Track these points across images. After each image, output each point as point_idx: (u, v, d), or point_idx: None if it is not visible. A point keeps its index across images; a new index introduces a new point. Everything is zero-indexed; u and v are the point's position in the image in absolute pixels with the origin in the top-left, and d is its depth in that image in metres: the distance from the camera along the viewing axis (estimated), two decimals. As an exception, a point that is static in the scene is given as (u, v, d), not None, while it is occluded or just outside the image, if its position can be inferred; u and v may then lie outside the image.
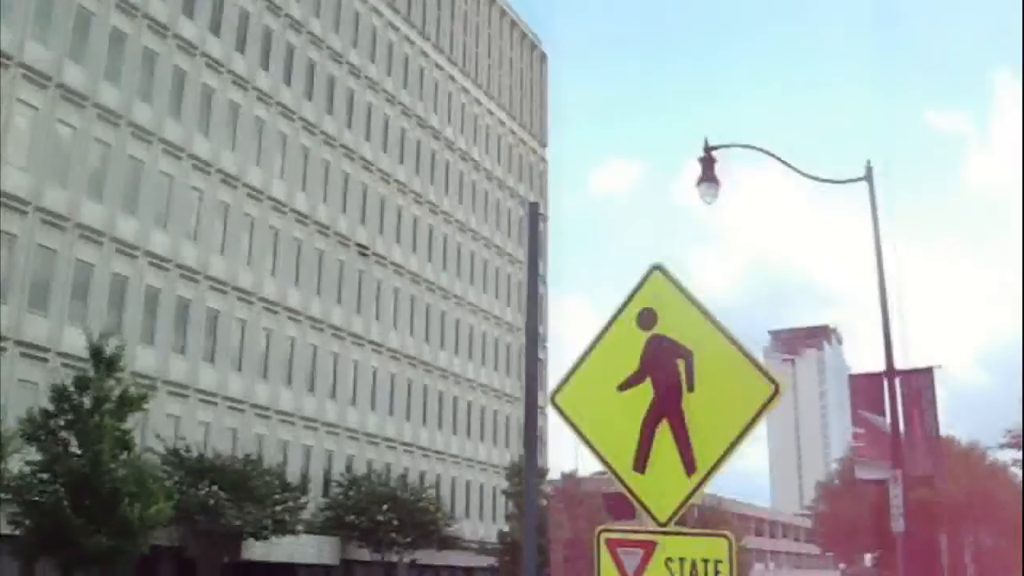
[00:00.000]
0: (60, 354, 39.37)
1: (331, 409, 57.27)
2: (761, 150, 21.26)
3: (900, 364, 18.70)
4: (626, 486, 5.54)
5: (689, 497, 5.38)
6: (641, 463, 5.51)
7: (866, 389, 18.03)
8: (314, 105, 58.71)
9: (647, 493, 5.47)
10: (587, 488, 63.28)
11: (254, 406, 51.80)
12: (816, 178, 21.38)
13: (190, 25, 50.01)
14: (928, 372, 17.75)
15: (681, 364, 5.50)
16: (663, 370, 5.54)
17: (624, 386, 5.63)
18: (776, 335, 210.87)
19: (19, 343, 39.19)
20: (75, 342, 36.49)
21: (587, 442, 5.74)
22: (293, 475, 50.88)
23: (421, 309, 66.39)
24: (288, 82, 57.03)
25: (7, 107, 39.80)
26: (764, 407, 5.27)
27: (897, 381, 17.53)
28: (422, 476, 62.74)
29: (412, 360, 64.76)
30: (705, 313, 5.54)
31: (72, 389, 33.19)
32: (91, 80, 43.86)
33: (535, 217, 5.29)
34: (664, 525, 5.37)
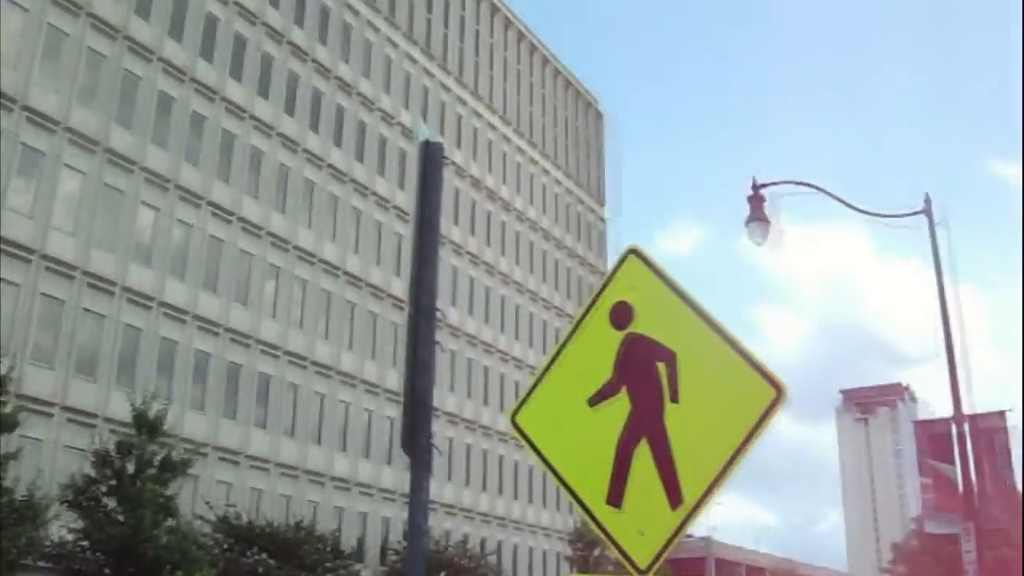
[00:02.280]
0: (107, 420, 38.79)
1: (388, 475, 56.16)
2: (812, 186, 20.07)
3: (970, 410, 17.27)
4: (598, 524, 4.42)
5: (675, 537, 4.23)
6: (616, 495, 4.39)
7: (932, 436, 16.59)
8: (365, 167, 58.38)
9: (623, 533, 4.34)
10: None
11: (307, 472, 50.91)
12: (874, 213, 20.13)
13: (238, 88, 49.96)
14: (999, 416, 16.29)
15: (662, 369, 4.38)
16: (641, 378, 4.43)
17: (596, 399, 4.52)
18: (848, 394, 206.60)
19: (65, 408, 38.71)
20: (123, 408, 35.90)
21: (552, 470, 4.63)
22: (348, 543, 49.77)
23: (479, 372, 65.38)
24: (339, 143, 56.78)
25: (54, 170, 39.74)
26: (765, 417, 4.13)
27: (965, 426, 16.06)
28: (482, 543, 61.28)
29: (471, 425, 63.63)
30: (690, 304, 4.42)
31: (114, 454, 32.59)
32: (139, 144, 43.76)
33: (434, 158, 4.23)
34: (644, 574, 4.23)
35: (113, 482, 32.32)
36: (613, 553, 4.38)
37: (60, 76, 40.96)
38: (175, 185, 45.27)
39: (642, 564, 4.23)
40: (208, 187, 47.16)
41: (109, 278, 41.56)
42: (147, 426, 33.40)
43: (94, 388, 40.20)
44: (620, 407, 4.43)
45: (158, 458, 33.05)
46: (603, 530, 4.38)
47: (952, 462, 16.55)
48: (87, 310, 40.63)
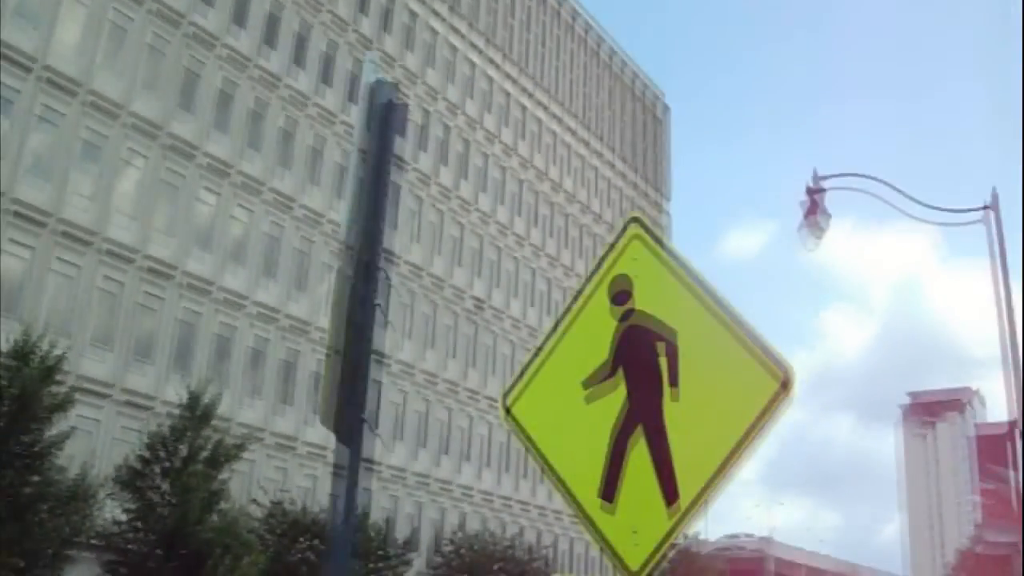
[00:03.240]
0: (164, 404, 38.90)
1: (444, 466, 56.03)
2: (873, 178, 19.38)
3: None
4: (590, 522, 4.02)
5: (669, 538, 3.81)
6: (610, 491, 3.98)
7: (991, 441, 15.88)
8: (428, 156, 58.26)
9: (615, 531, 3.94)
10: (711, 555, 60.59)
11: (363, 462, 50.73)
12: (939, 208, 19.36)
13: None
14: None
15: (662, 350, 3.95)
16: (638, 360, 4.02)
17: (590, 381, 4.10)
18: (914, 398, 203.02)
19: (123, 391, 38.93)
20: (178, 394, 35.94)
21: (544, 462, 4.22)
22: (402, 533, 49.64)
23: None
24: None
25: (115, 156, 40.00)
26: (769, 408, 3.68)
27: (1017, 432, 15.31)
28: (539, 536, 60.91)
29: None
30: (693, 278, 3.99)
31: (168, 439, 32.63)
32: (199, 131, 43.94)
33: (388, 105, 3.81)
34: (636, 576, 3.82)
35: (166, 464, 32.35)
36: (604, 553, 3.97)
37: (123, 64, 41.14)
38: (237, 171, 45.35)
39: (633, 566, 3.83)
40: (269, 176, 47.19)
41: (168, 263, 41.71)
42: (200, 412, 33.39)
43: (151, 372, 40.39)
44: (616, 394, 4.03)
45: (210, 444, 33.01)
46: (594, 528, 3.99)
47: (1016, 469, 15.84)
48: (146, 295, 40.80)
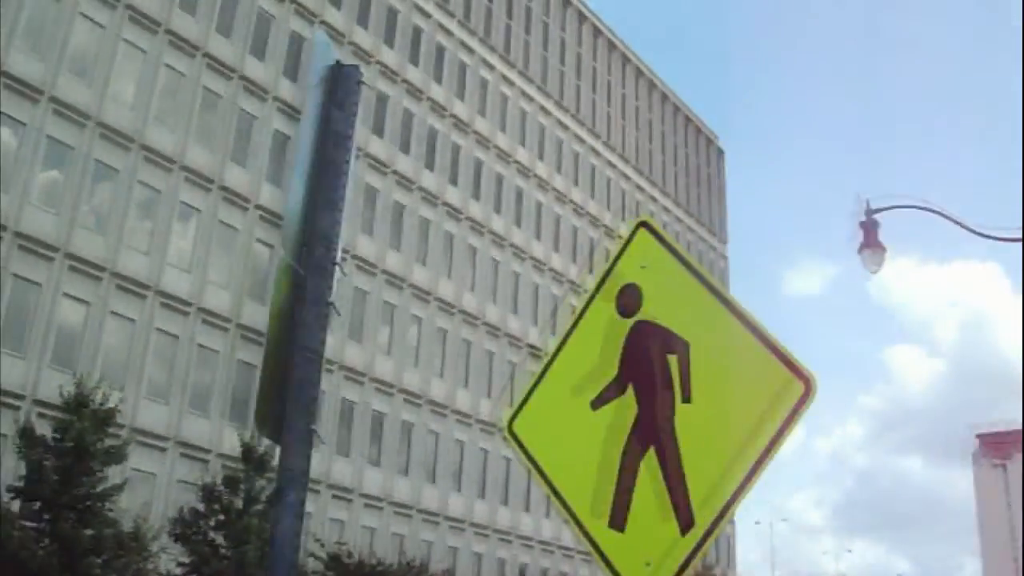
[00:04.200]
0: (220, 455, 38.91)
1: (504, 515, 55.45)
2: (928, 209, 18.87)
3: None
4: (598, 551, 3.66)
5: (686, 568, 3.45)
6: (620, 516, 3.63)
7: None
8: (482, 204, 58.26)
9: (627, 562, 3.58)
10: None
11: (421, 511, 50.48)
12: (996, 238, 18.80)
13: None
14: None
15: (673, 363, 3.62)
16: (649, 374, 3.68)
17: (598, 401, 3.78)
18: (984, 439, 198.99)
19: (178, 443, 39.00)
20: (235, 443, 35.93)
21: (549, 486, 3.89)
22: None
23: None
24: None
25: (170, 207, 40.35)
26: (794, 414, 3.34)
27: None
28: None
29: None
30: (707, 285, 3.67)
31: (222, 488, 32.58)
32: (253, 181, 44.29)
33: (347, 79, 3.53)
34: (650, 613, 3.48)
35: (221, 516, 32.26)
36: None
37: (176, 115, 41.63)
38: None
39: (646, 601, 3.47)
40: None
41: (223, 314, 41.88)
42: (255, 460, 33.33)
43: (207, 423, 40.44)
44: (625, 410, 3.70)
45: (265, 493, 32.87)
46: (604, 558, 3.63)
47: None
48: (201, 346, 40.96)
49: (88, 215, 38.39)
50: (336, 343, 47.27)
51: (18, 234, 35.34)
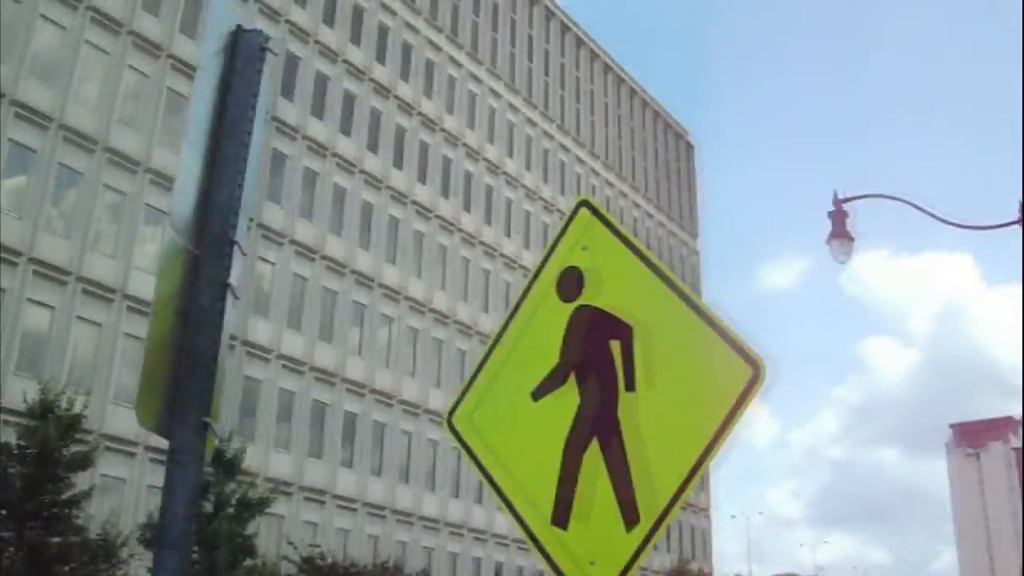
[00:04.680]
0: (190, 460, 38.47)
1: (479, 515, 55.21)
2: (896, 199, 18.79)
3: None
4: (541, 549, 3.46)
5: (632, 566, 3.25)
6: (562, 512, 3.43)
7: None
8: (451, 203, 58.04)
9: (571, 562, 3.38)
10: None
11: (395, 512, 50.19)
12: (967, 226, 18.74)
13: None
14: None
15: (616, 349, 3.42)
16: (591, 362, 3.49)
17: (540, 391, 3.58)
18: (957, 429, 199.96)
19: (148, 448, 38.56)
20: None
21: (489, 481, 3.69)
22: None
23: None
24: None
25: (139, 213, 39.99)
26: (741, 403, 3.14)
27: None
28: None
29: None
30: (649, 265, 3.47)
31: (191, 494, 32.18)
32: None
33: (249, 46, 3.31)
34: (596, 615, 3.29)
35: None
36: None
37: (141, 117, 41.34)
38: (257, 224, 45.22)
39: (591, 601, 3.27)
40: (291, 225, 47.08)
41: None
42: (224, 464, 32.98)
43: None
44: (567, 401, 3.50)
45: (235, 497, 32.57)
46: (547, 559, 3.43)
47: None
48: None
49: (53, 219, 37.91)
50: (307, 346, 46.95)
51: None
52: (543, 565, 3.42)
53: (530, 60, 67.27)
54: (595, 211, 3.64)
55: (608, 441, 3.36)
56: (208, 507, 32.15)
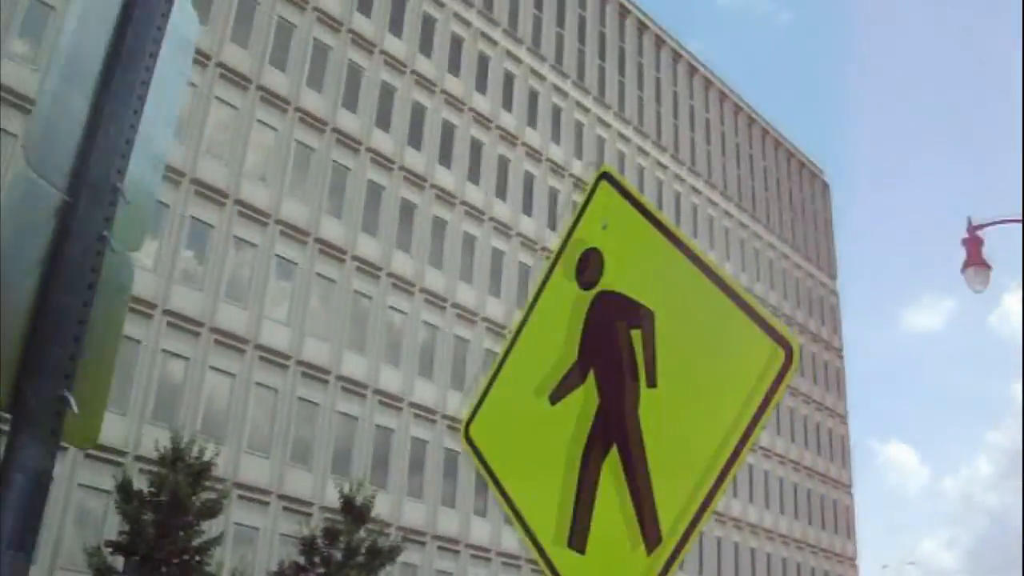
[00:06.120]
0: (323, 508, 38.63)
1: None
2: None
3: None
4: (555, 574, 2.97)
5: (653, 593, 2.72)
6: (580, 534, 2.94)
7: None
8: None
9: (587, 590, 2.87)
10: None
11: (530, 562, 49.52)
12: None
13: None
14: None
15: (638, 340, 2.92)
16: (610, 357, 2.99)
17: (558, 393, 3.10)
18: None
19: (281, 497, 38.84)
20: (337, 497, 35.59)
21: (507, 501, 3.23)
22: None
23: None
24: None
25: (268, 265, 40.62)
26: (774, 391, 2.60)
27: None
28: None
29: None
30: (676, 243, 2.95)
31: (321, 541, 32.28)
32: (349, 233, 44.41)
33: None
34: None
35: (321, 570, 31.92)
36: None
37: (272, 170, 42.19)
38: (386, 273, 45.49)
39: (609, 639, 2.76)
40: (421, 273, 47.18)
41: (322, 367, 41.81)
42: (354, 512, 33.00)
43: (309, 477, 40.24)
44: (587, 403, 3.02)
45: (365, 545, 32.50)
46: (562, 587, 2.93)
47: None
48: (301, 399, 40.89)
49: (186, 272, 38.76)
50: (438, 394, 46.88)
51: (118, 293, 35.77)
52: (558, 594, 2.93)
53: (658, 103, 66.67)
54: (616, 184, 3.15)
55: (628, 448, 2.85)
56: (338, 555, 32.17)
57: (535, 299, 3.30)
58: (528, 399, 3.18)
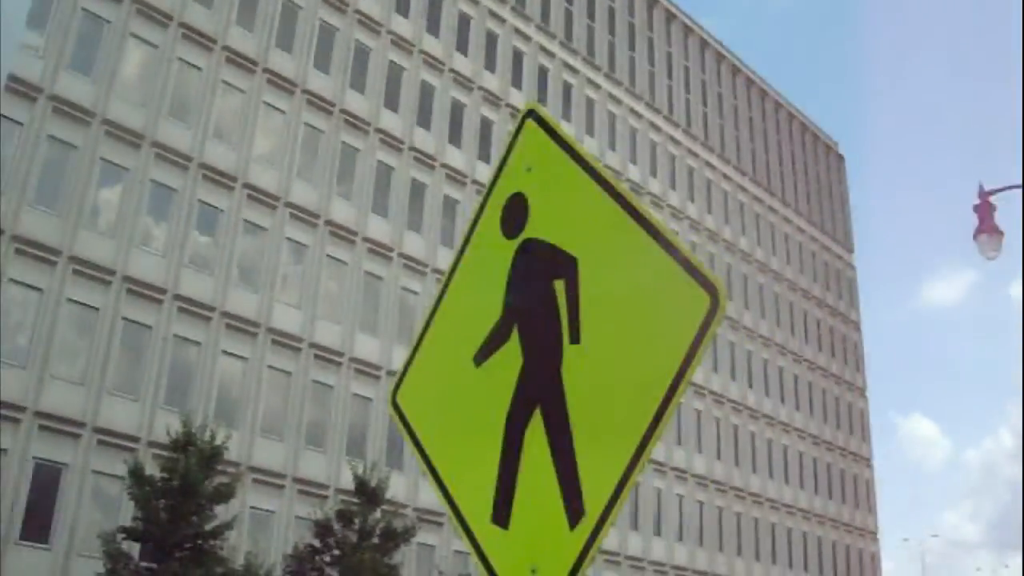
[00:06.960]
0: (339, 490, 38.51)
1: (632, 542, 53.95)
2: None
3: None
4: (480, 553, 2.71)
5: (576, 571, 2.45)
6: (503, 507, 2.67)
7: None
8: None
9: (510, 566, 2.61)
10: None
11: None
12: None
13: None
14: None
15: (560, 291, 2.64)
16: (534, 310, 2.71)
17: (482, 353, 2.83)
18: None
19: (296, 480, 38.76)
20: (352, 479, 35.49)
21: (432, 474, 2.97)
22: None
23: (728, 432, 62.30)
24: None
25: (279, 249, 40.47)
26: (700, 340, 2.32)
27: None
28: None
29: (721, 486, 60.51)
30: (600, 181, 2.66)
31: (335, 523, 32.18)
32: (361, 214, 44.23)
33: None
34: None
35: (335, 551, 31.83)
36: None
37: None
38: (397, 254, 45.29)
39: (535, 615, 2.51)
40: (432, 253, 46.94)
41: (335, 349, 41.66)
42: (368, 493, 32.86)
43: (323, 459, 40.15)
44: (510, 363, 2.74)
45: (380, 526, 32.39)
46: (486, 565, 2.67)
47: None
48: (314, 382, 40.76)
49: (196, 257, 38.61)
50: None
51: (127, 278, 35.69)
52: (480, 571, 2.67)
53: (669, 78, 66.11)
54: (541, 122, 2.87)
55: (551, 411, 2.58)
56: (353, 537, 32.06)
57: (461, 251, 3.03)
58: (454, 361, 2.92)
